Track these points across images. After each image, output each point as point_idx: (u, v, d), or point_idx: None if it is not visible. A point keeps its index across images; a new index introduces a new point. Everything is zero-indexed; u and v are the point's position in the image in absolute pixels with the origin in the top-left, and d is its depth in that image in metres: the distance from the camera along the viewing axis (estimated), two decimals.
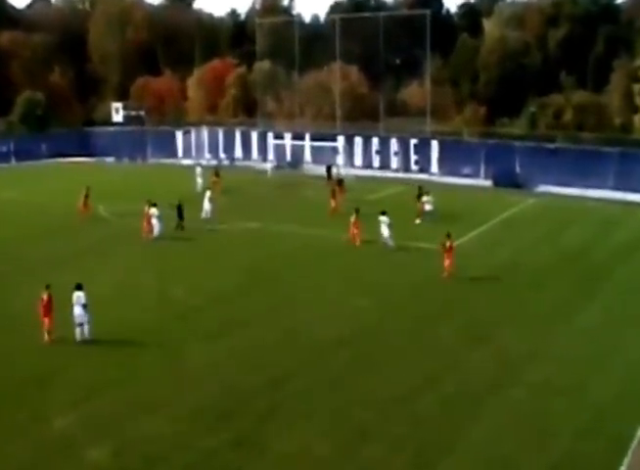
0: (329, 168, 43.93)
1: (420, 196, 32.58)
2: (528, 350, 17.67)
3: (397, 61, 57.20)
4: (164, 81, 67.61)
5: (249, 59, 63.07)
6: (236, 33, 73.75)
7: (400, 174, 46.68)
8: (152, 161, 56.19)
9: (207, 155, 53.63)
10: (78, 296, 18.20)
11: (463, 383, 15.83)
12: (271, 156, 50.56)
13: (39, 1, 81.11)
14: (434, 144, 46.32)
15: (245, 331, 19.02)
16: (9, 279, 23.65)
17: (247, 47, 65.53)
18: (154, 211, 29.30)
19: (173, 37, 70.93)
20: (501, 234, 30.27)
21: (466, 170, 45.25)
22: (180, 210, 30.44)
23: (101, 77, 70.21)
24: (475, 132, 50.41)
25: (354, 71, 59.43)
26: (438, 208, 32.44)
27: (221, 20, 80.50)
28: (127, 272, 24.51)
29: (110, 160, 56.61)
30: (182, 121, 60.04)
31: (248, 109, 62.29)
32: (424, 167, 46.54)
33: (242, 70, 65.21)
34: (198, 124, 56.85)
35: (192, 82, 66.02)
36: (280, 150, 50.54)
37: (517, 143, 44.47)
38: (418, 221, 30.53)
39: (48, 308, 18.11)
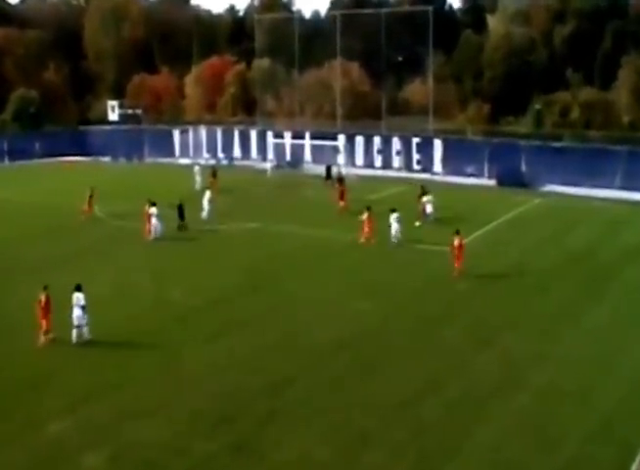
0: (328, 168, 43.93)
1: (422, 195, 32.46)
2: (534, 352, 17.67)
3: (399, 58, 57.19)
4: (161, 79, 67.66)
5: (247, 56, 63.11)
6: (234, 30, 73.78)
7: (403, 174, 46.70)
8: (149, 160, 56.24)
9: (206, 154, 53.71)
10: (78, 297, 18.24)
11: (467, 386, 15.83)
12: (271, 155, 50.58)
13: None
14: (437, 143, 46.33)
15: (244, 333, 19.03)
16: (4, 280, 23.68)
17: (245, 44, 65.55)
18: (153, 210, 29.38)
19: (170, 34, 71.01)
20: (506, 234, 30.27)
21: (470, 170, 45.26)
22: (181, 210, 30.51)
23: (96, 75, 70.28)
24: (479, 131, 50.42)
25: (355, 69, 59.48)
26: (442, 208, 32.47)
27: (219, 16, 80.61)
28: (125, 273, 24.53)
29: (105, 159, 56.65)
30: (180, 120, 60.10)
31: (247, 107, 62.35)
32: (426, 167, 46.55)
33: (241, 67, 65.27)
34: (196, 123, 56.91)
35: (189, 80, 66.10)
36: (279, 149, 50.57)
37: (522, 141, 44.47)
38: (418, 224, 30.39)
39: (46, 310, 18.14)
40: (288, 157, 50.83)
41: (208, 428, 14.15)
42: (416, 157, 47.08)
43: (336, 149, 47.65)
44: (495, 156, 44.11)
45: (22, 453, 13.41)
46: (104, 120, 59.26)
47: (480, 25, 66.93)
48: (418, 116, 52.35)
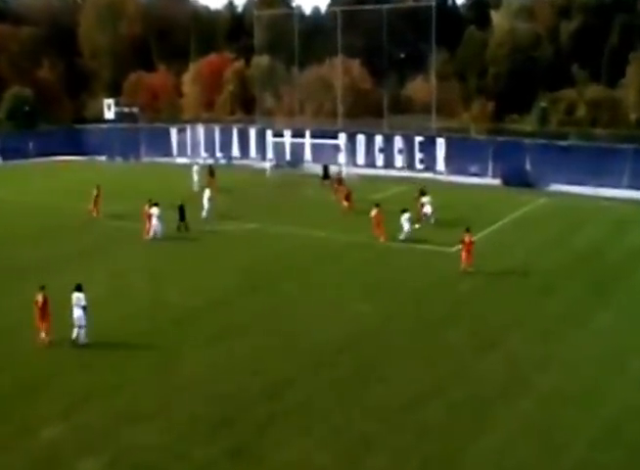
0: (325, 168, 43.91)
1: (420, 196, 32.17)
2: (539, 354, 17.69)
3: (402, 55, 57.29)
4: (159, 77, 67.80)
5: (246, 53, 63.23)
6: (233, 27, 73.89)
7: (405, 173, 46.77)
8: (145, 159, 56.33)
9: (204, 153, 53.80)
10: (78, 297, 18.29)
11: (471, 389, 15.84)
12: (270, 154, 50.65)
13: None
14: (441, 142, 46.40)
15: (243, 336, 19.06)
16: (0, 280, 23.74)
17: (244, 41, 65.68)
18: (155, 210, 29.47)
19: (168, 30, 71.13)
20: (511, 235, 30.30)
21: (473, 169, 45.32)
22: (182, 210, 30.60)
23: (92, 72, 70.38)
24: (483, 129, 50.52)
25: (357, 66, 59.59)
26: (445, 208, 32.52)
27: (218, 12, 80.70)
28: (122, 274, 24.59)
29: (101, 159, 56.76)
30: (177, 119, 60.21)
31: (245, 105, 62.46)
32: (429, 166, 46.62)
33: (239, 64, 65.38)
34: (193, 122, 57.03)
35: (187, 78, 66.22)
36: (279, 148, 50.63)
37: (527, 140, 44.54)
38: (417, 226, 30.35)
39: (44, 311, 18.17)
40: (287, 156, 50.90)
41: (208, 432, 14.17)
42: (419, 156, 47.14)
43: (337, 148, 47.69)
44: (499, 155, 44.18)
45: (17, 458, 13.42)
46: (100, 119, 59.35)
47: (483, 21, 67.04)
48: (420, 114, 52.41)
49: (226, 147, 53.94)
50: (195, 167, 42.36)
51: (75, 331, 18.20)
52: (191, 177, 41.21)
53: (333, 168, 44.40)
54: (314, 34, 58.99)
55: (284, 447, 13.63)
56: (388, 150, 48.12)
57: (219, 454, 13.45)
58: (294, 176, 46.01)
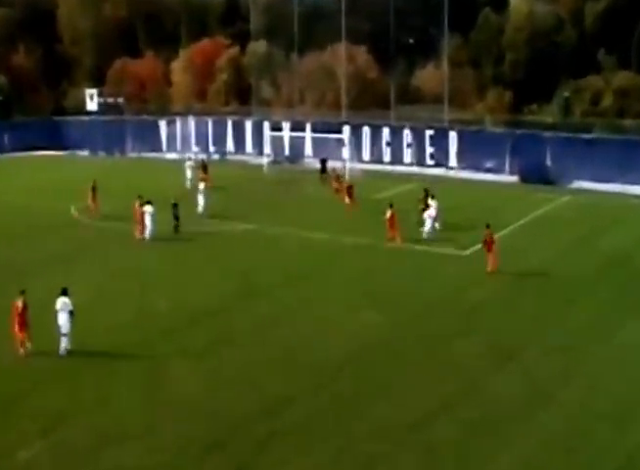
0: (323, 162, 43.85)
1: (426, 197, 31.64)
2: (561, 370, 17.69)
3: (411, 40, 57.31)
4: (146, 64, 67.78)
5: (242, 39, 63.27)
6: (227, 10, 73.80)
7: (414, 169, 46.79)
8: (132, 155, 56.40)
9: (195, 148, 53.81)
10: (64, 302, 18.38)
11: (486, 408, 15.85)
12: (267, 149, 50.67)
13: None
14: (453, 135, 46.41)
15: (237, 348, 19.08)
16: None
17: (240, 25, 65.73)
18: (148, 208, 29.62)
19: (156, 14, 71.13)
20: (529, 238, 30.30)
21: (489, 164, 45.33)
22: (176, 209, 30.68)
23: (73, 59, 70.38)
24: (499, 121, 50.49)
25: (362, 53, 59.59)
26: (457, 207, 32.56)
27: None
28: (107, 280, 24.64)
29: (83, 153, 56.83)
30: (166, 110, 60.23)
31: (241, 95, 62.46)
32: (441, 161, 46.64)
33: (234, 51, 65.38)
34: (184, 113, 57.05)
35: (177, 65, 66.24)
36: (277, 142, 50.67)
37: (547, 133, 44.52)
38: (421, 230, 30.18)
39: (23, 318, 18.24)
40: (286, 151, 50.93)
41: (199, 453, 14.19)
42: (429, 150, 47.16)
43: (340, 142, 47.73)
44: (517, 149, 44.17)
45: None
46: (81, 110, 59.42)
47: (500, 3, 66.81)
48: (431, 105, 52.43)
49: (220, 141, 53.98)
50: (188, 163, 42.47)
51: (63, 341, 18.29)
52: (183, 174, 41.29)
53: (334, 165, 44.40)
54: (315, 18, 59.04)
55: None
56: (395, 144, 48.13)
57: None
58: (293, 173, 46.04)
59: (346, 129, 48.72)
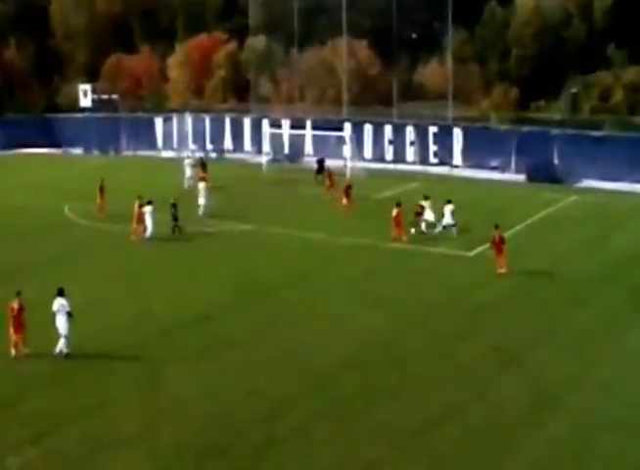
0: (320, 161, 43.80)
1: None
2: (569, 374, 17.69)
3: (414, 35, 57.39)
4: (141, 60, 67.87)
5: (240, 34, 63.33)
6: (225, 4, 73.93)
7: (417, 168, 46.81)
8: (127, 153, 56.45)
9: (192, 146, 53.84)
10: (61, 303, 18.47)
11: (491, 412, 15.86)
12: (266, 147, 50.69)
13: None
14: (457, 132, 46.44)
15: (236, 350, 19.09)
16: None
17: (238, 20, 65.78)
18: (148, 209, 29.75)
19: (152, 8, 71.21)
20: (536, 238, 30.31)
21: (494, 163, 45.37)
22: (175, 210, 30.73)
23: (66, 55, 70.46)
24: (505, 118, 50.56)
25: (363, 48, 59.67)
26: (462, 206, 32.39)
27: None
28: (103, 281, 24.66)
29: (77, 152, 56.85)
30: (162, 107, 60.33)
31: (239, 92, 62.53)
32: (445, 160, 46.68)
33: (232, 46, 65.48)
34: (180, 110, 57.10)
35: (173, 61, 66.30)
36: (277, 140, 50.70)
37: (555, 130, 44.57)
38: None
39: (19, 320, 18.31)
40: (286, 149, 50.97)
41: (197, 460, 14.19)
42: (433, 148, 47.21)
43: (341, 140, 47.76)
44: (524, 147, 44.20)
45: None
46: (74, 107, 59.45)
47: None
48: (435, 101, 52.49)
49: (217, 139, 54.02)
50: (187, 161, 42.51)
51: (62, 342, 18.37)
52: (182, 172, 41.33)
53: (330, 165, 44.29)
54: (316, 12, 59.08)
55: None
56: (398, 142, 48.17)
57: None
58: (293, 172, 46.06)
59: (348, 127, 48.77)
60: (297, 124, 50.43)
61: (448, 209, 29.98)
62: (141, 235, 30.02)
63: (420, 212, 30.67)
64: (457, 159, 46.38)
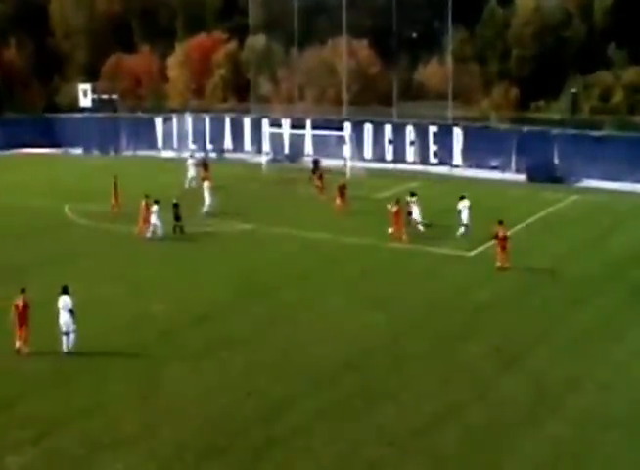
0: (316, 162, 43.74)
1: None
2: (570, 374, 17.67)
3: (414, 34, 57.38)
4: (141, 59, 67.85)
5: (240, 33, 63.31)
6: (225, 3, 73.92)
7: (417, 168, 46.79)
8: (127, 153, 56.41)
9: (192, 145, 53.82)
10: (65, 300, 18.57)
11: (492, 413, 15.84)
12: (266, 147, 50.67)
13: None
14: (457, 132, 46.42)
15: (236, 350, 19.07)
16: None
17: (238, 19, 65.76)
18: (155, 208, 29.83)
19: (151, 8, 71.20)
20: (537, 238, 30.29)
21: (494, 163, 45.35)
22: (177, 209, 30.72)
23: (65, 54, 70.44)
24: (505, 118, 50.57)
25: (364, 48, 59.69)
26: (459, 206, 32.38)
27: None
28: (100, 282, 24.59)
29: (76, 152, 56.82)
30: (162, 107, 60.29)
31: (239, 92, 62.53)
32: (445, 160, 46.67)
33: (232, 46, 65.47)
34: (180, 110, 57.09)
35: (173, 61, 66.28)
36: (276, 140, 50.68)
37: (555, 130, 44.57)
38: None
39: (24, 317, 18.43)
40: (286, 149, 50.94)
41: (196, 461, 14.16)
42: (433, 148, 47.18)
43: (341, 139, 47.72)
44: (524, 147, 44.19)
45: None
46: (74, 107, 59.43)
47: None
48: (435, 101, 52.51)
49: (217, 138, 53.98)
50: (190, 161, 42.49)
51: (64, 340, 18.44)
52: (185, 172, 41.31)
53: (324, 165, 44.16)
54: (316, 11, 59.10)
55: None
56: (398, 141, 48.14)
57: None
58: (293, 172, 46.02)
59: (348, 126, 48.73)
60: (297, 124, 50.40)
61: (463, 205, 29.58)
62: (145, 234, 29.97)
63: (410, 212, 30.66)
64: (457, 159, 46.35)
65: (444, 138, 46.57)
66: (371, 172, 44.14)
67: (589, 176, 41.57)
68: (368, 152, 48.91)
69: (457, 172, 45.45)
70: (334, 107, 54.45)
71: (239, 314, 21.71)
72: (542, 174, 42.66)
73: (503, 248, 25.29)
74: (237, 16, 67.01)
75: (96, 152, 56.53)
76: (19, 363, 18.23)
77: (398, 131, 48.13)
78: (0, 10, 67.95)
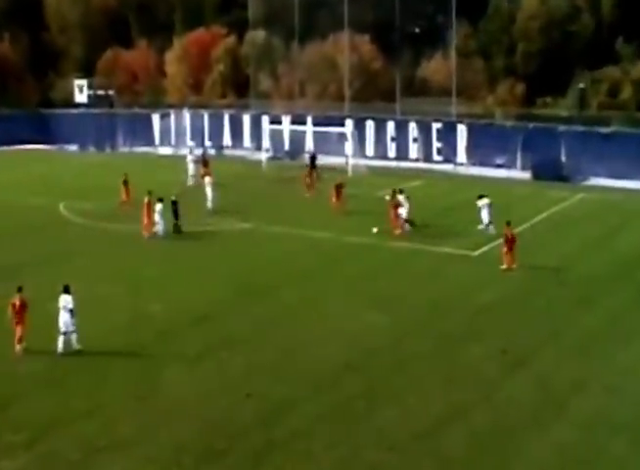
0: (312, 157, 43.84)
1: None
2: (576, 376, 17.66)
3: (417, 29, 57.39)
4: (138, 54, 67.90)
5: (239, 28, 63.34)
6: None
7: (421, 165, 46.81)
8: (123, 150, 56.48)
9: (190, 142, 53.82)
10: (65, 299, 18.69)
11: (496, 416, 15.83)
12: (266, 144, 50.69)
13: None
14: (462, 129, 46.45)
15: (235, 352, 19.07)
16: None
17: (237, 14, 65.78)
18: (159, 207, 29.93)
19: (149, 1, 71.24)
20: (543, 237, 30.30)
21: (499, 160, 45.38)
22: (175, 207, 30.72)
23: (61, 49, 70.50)
24: (510, 114, 50.52)
25: (365, 42, 59.65)
26: (467, 205, 32.42)
27: None
28: (97, 281, 24.58)
29: (72, 148, 56.88)
30: (160, 103, 60.32)
31: (238, 88, 62.55)
32: (449, 157, 46.70)
33: (231, 41, 65.49)
34: (178, 106, 57.14)
35: (171, 56, 66.31)
36: (277, 137, 50.73)
37: (562, 127, 44.58)
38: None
39: (21, 315, 18.55)
40: (286, 146, 50.96)
41: (195, 463, 14.16)
42: (436, 145, 47.20)
43: (342, 136, 47.74)
44: (530, 144, 44.21)
45: None
46: (70, 103, 59.53)
47: None
48: (439, 97, 52.47)
49: (216, 135, 54.04)
50: (189, 157, 42.52)
51: (61, 340, 18.51)
52: (185, 169, 41.35)
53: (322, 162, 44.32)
54: (317, 5, 59.02)
55: None
56: (401, 138, 48.18)
57: None
58: (293, 169, 46.03)
59: (349, 123, 48.75)
60: (298, 120, 50.44)
61: (483, 203, 29.56)
62: (150, 232, 30.06)
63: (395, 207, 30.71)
64: (461, 156, 46.37)
65: (448, 135, 46.59)
66: (373, 170, 44.17)
67: (597, 174, 41.58)
68: (370, 149, 48.94)
69: (461, 170, 45.47)
70: (335, 103, 54.47)
71: (239, 314, 21.72)
72: (548, 172, 42.67)
73: (510, 249, 25.23)
74: (236, 10, 67.01)
75: (92, 149, 56.61)
76: (12, 364, 18.24)
77: (401, 128, 48.16)
78: None
